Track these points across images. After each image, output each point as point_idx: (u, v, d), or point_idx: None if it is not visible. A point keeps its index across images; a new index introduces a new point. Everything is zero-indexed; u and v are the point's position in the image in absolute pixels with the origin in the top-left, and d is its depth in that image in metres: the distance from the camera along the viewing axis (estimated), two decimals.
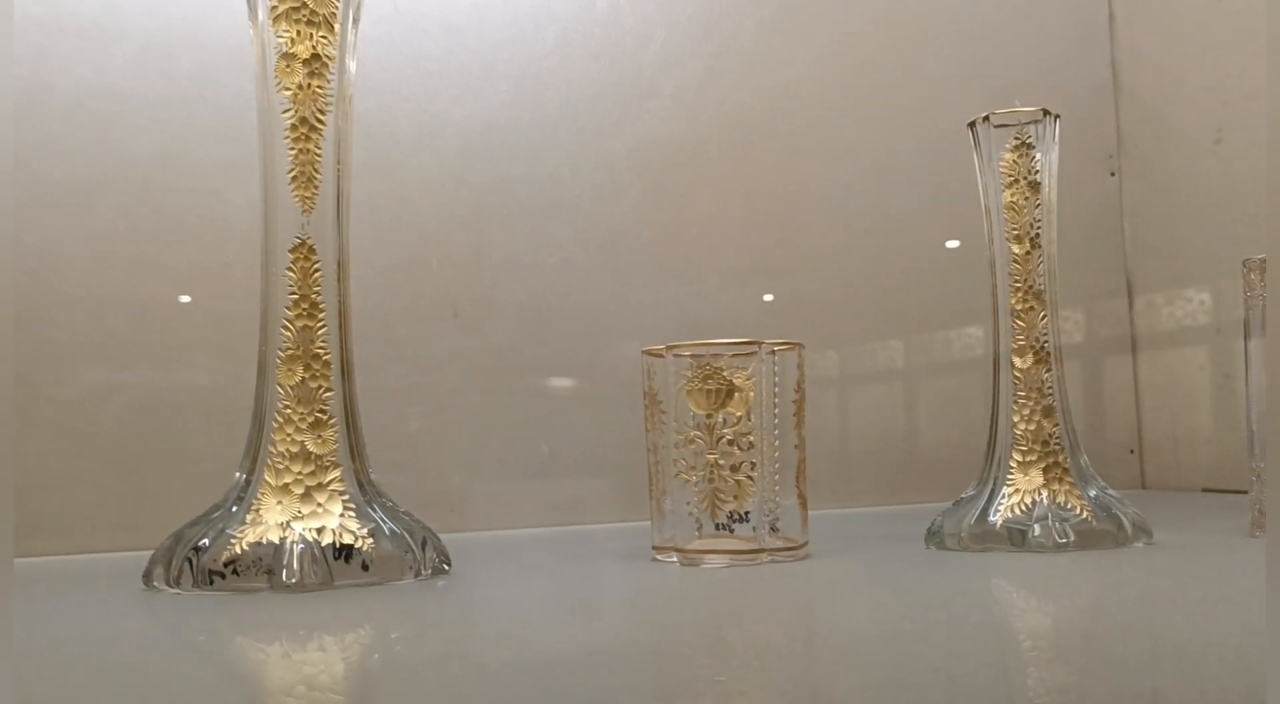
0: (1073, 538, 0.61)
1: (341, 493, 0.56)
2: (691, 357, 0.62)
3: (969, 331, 1.03)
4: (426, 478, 0.86)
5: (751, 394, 0.62)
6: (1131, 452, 1.11)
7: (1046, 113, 0.65)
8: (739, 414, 0.61)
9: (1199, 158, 1.04)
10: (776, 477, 0.62)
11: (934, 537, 0.65)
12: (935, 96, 1.05)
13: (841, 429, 0.99)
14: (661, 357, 0.63)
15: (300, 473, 0.55)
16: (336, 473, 0.56)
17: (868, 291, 1.01)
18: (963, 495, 0.66)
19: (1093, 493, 0.64)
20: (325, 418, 0.56)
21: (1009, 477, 0.64)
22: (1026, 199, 0.65)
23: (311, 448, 0.56)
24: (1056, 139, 0.66)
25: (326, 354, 0.57)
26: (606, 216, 0.93)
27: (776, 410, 0.62)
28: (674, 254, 0.95)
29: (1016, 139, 0.66)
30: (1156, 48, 1.10)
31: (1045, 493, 0.63)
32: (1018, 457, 0.64)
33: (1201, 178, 1.04)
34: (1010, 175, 0.66)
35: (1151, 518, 0.65)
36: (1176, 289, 1.08)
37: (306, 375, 0.56)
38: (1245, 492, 0.66)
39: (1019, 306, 0.65)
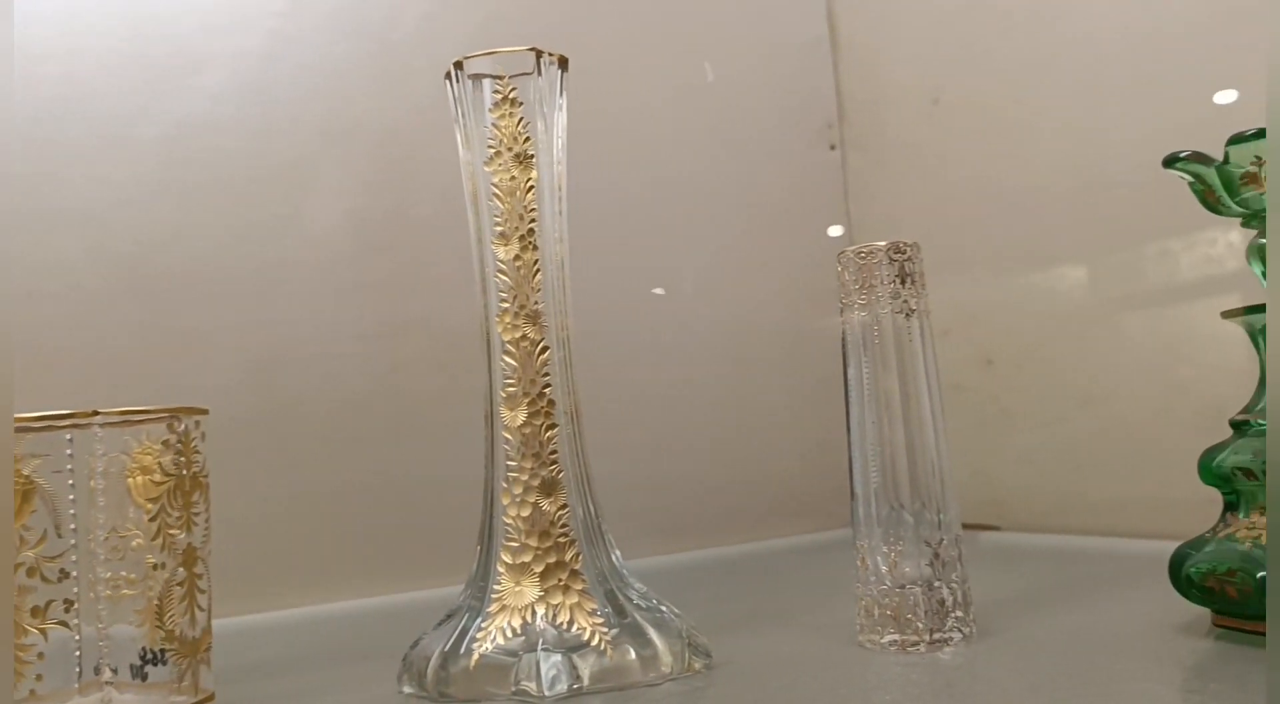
0: (585, 679, 0.42)
1: None
2: None
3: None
4: None
5: (71, 496, 0.41)
6: None
7: (540, 54, 0.45)
8: (44, 527, 0.40)
9: (917, 123, 0.86)
10: (131, 614, 0.41)
11: (407, 671, 0.45)
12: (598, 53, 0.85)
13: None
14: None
15: None
16: None
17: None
18: (450, 611, 0.46)
19: (622, 600, 0.44)
20: None
21: (495, 587, 0.44)
22: (514, 179, 0.45)
23: None
24: (563, 93, 0.46)
25: None
26: (130, 226, 0.71)
27: (141, 515, 0.41)
28: (240, 267, 0.73)
29: (497, 93, 0.45)
30: None
31: (541, 610, 0.43)
32: (506, 557, 0.44)
33: (920, 145, 0.86)
34: (493, 146, 0.45)
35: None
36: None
37: None
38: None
39: (507, 336, 0.45)
